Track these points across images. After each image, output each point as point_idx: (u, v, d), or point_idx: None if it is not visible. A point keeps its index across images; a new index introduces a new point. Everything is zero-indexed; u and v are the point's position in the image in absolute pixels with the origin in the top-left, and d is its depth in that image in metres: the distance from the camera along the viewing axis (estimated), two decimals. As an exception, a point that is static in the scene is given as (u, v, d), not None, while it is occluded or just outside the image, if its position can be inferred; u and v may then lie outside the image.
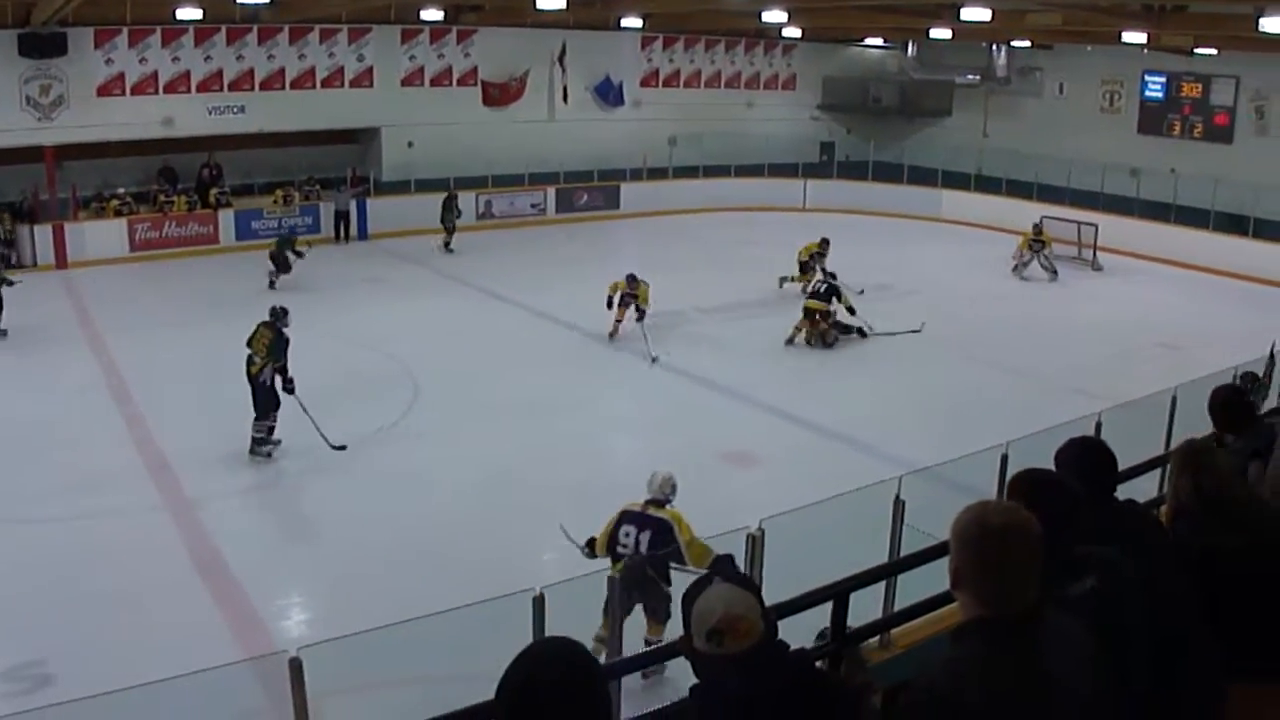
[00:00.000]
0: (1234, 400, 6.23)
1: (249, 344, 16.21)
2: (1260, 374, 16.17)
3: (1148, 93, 36.50)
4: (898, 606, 7.73)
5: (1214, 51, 31.44)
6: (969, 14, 21.94)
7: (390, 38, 33.65)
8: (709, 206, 37.80)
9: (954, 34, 30.68)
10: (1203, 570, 4.28)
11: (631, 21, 31.28)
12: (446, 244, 30.77)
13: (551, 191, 36.27)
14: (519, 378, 19.60)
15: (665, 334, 22.83)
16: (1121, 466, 4.88)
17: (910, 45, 40.50)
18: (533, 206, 35.79)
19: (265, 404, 16.11)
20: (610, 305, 22.30)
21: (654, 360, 21.30)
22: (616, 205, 37.31)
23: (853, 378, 20.88)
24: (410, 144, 34.09)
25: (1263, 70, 32.53)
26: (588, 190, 36.66)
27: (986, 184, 38.47)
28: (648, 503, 10.70)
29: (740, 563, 8.57)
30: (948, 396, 19.81)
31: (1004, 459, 10.27)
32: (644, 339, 21.62)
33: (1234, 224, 32.43)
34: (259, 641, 11.08)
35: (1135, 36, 26.43)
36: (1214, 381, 13.12)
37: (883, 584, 7.85)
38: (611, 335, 22.33)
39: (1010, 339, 23.91)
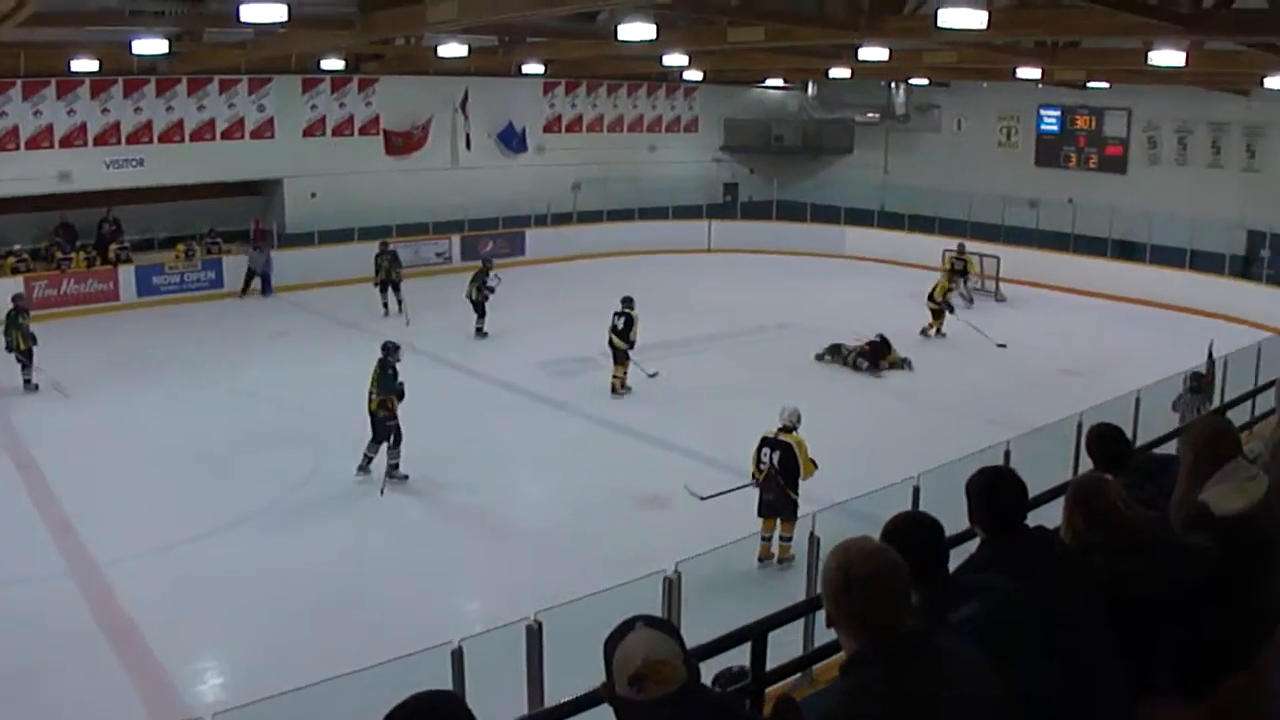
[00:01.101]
0: (1110, 436, 6.31)
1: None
2: (1204, 372, 16.74)
3: (1043, 126, 37.28)
4: (818, 642, 7.77)
5: (1106, 85, 32.24)
6: (867, 54, 22.12)
7: (291, 88, 33.47)
8: (614, 251, 37.82)
9: (853, 73, 30.98)
10: (1110, 595, 4.40)
11: (533, 68, 31.30)
12: (390, 308, 30.00)
13: (456, 240, 36.17)
14: (428, 429, 19.34)
15: (573, 380, 23.18)
16: (1032, 493, 4.95)
17: (810, 85, 40.92)
18: (438, 255, 35.67)
19: (379, 434, 17.40)
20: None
21: (652, 375, 22.45)
22: (522, 252, 37.22)
23: (766, 417, 20.90)
24: (313, 195, 33.87)
25: (1153, 101, 33.35)
26: (492, 237, 36.51)
27: (889, 220, 39.10)
28: (779, 429, 14.58)
29: (657, 607, 8.60)
30: (860, 431, 20.07)
31: (916, 491, 10.54)
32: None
33: (1130, 251, 33.32)
34: (173, 709, 10.95)
35: (1029, 72, 26.97)
36: (1118, 406, 13.65)
37: (802, 620, 7.88)
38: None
39: (918, 372, 24.44)
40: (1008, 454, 11.84)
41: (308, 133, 34.10)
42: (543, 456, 19.32)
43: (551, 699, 8.42)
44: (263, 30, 22.68)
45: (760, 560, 14.12)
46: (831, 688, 3.48)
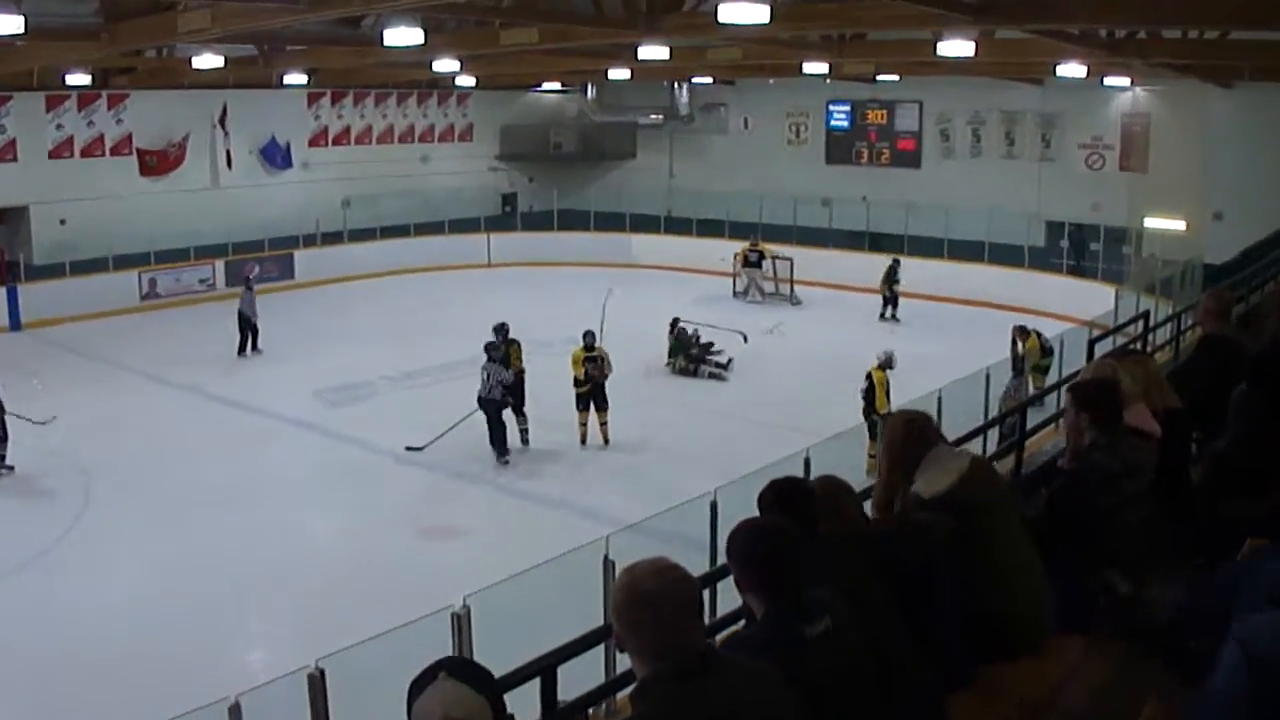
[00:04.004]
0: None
1: None
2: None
3: (833, 122, 38.22)
4: (619, 670, 7.73)
5: (896, 78, 33.14)
6: (647, 53, 22.27)
7: (34, 106, 32.31)
8: (390, 270, 37.50)
9: (633, 74, 31.19)
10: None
11: (295, 78, 30.75)
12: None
13: (220, 264, 35.17)
14: (196, 469, 19.15)
15: (351, 406, 23.04)
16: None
17: (589, 88, 41.13)
18: (201, 282, 34.72)
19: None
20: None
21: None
22: (291, 275, 36.53)
23: (556, 438, 21.00)
24: (63, 221, 32.75)
25: (945, 94, 34.43)
26: (259, 260, 35.72)
27: (677, 225, 39.64)
28: (876, 365, 19.12)
29: (449, 645, 8.49)
30: (653, 447, 20.40)
31: (714, 506, 10.58)
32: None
33: (928, 247, 34.06)
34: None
35: (817, 67, 27.35)
36: (922, 405, 14.12)
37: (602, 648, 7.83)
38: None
39: (705, 381, 25.00)
40: (808, 461, 12.00)
41: (54, 154, 33.00)
42: (321, 489, 19.02)
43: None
44: (-3, 43, 21.93)
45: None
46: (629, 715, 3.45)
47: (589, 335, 20.90)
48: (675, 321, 26.29)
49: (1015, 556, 5.18)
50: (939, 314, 31.34)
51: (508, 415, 20.15)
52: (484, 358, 20.07)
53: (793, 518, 4.33)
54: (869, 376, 19.10)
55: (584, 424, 20.73)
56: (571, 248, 39.51)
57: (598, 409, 20.72)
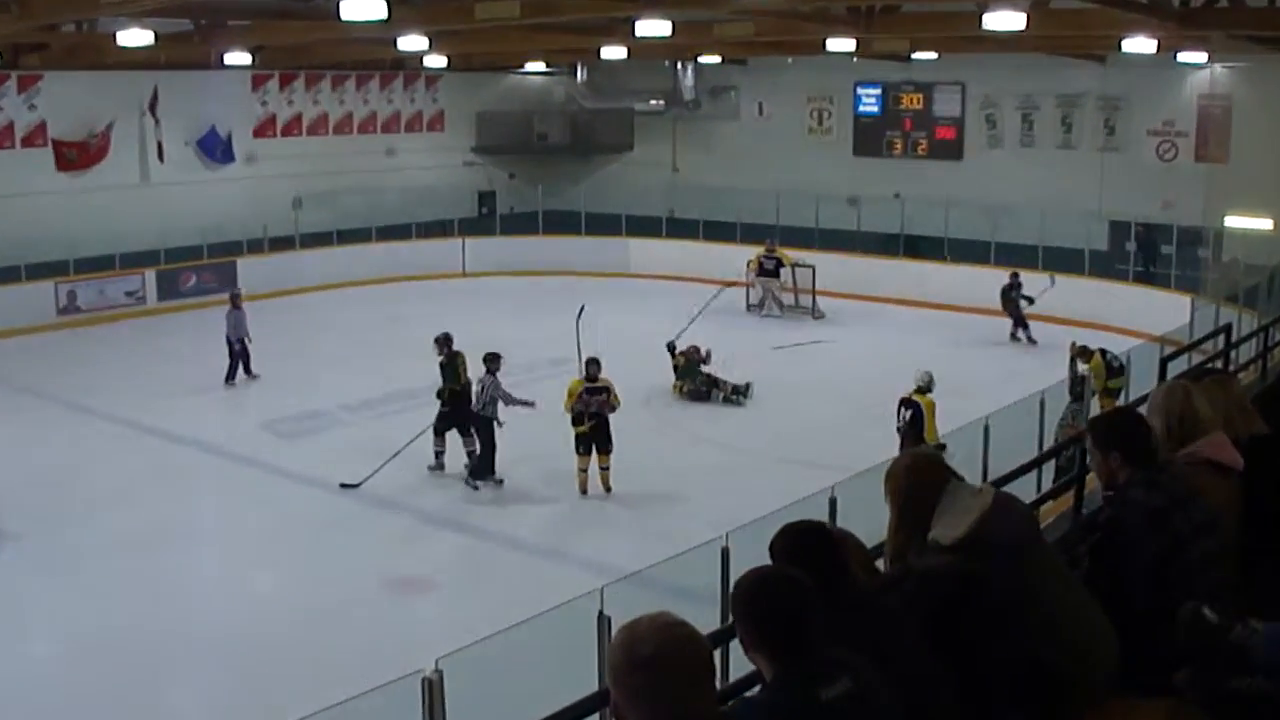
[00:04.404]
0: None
1: None
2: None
3: (861, 107, 38.06)
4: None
5: (934, 56, 32.86)
6: (645, 28, 22.05)
7: (-69, 92, 32.37)
8: (349, 280, 37.25)
9: (630, 52, 31.07)
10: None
11: (238, 58, 30.37)
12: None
13: (151, 275, 35.13)
14: (124, 514, 19.02)
15: (305, 439, 22.97)
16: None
17: (580, 69, 41.17)
18: (128, 295, 34.60)
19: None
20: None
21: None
22: (234, 286, 36.12)
23: (536, 472, 20.92)
24: (-35, 225, 32.68)
25: (991, 74, 34.29)
26: (196, 270, 35.71)
27: (681, 228, 39.44)
28: (915, 390, 19.26)
29: (419, 715, 8.47)
30: (650, 485, 20.29)
31: (725, 554, 10.51)
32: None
33: (972, 252, 33.85)
34: None
35: (842, 44, 26.80)
36: (965, 436, 14.93)
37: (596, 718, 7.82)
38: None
39: (719, 408, 24.88)
40: (834, 501, 11.95)
41: (-44, 147, 32.96)
42: (270, 535, 18.79)
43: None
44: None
45: None
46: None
47: (593, 364, 20.30)
48: (673, 345, 26.02)
49: (1059, 601, 5.10)
50: (986, 328, 30.91)
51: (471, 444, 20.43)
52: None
53: (809, 567, 4.29)
54: (909, 404, 19.13)
55: (584, 470, 20.05)
56: (560, 254, 39.27)
57: (599, 451, 20.08)
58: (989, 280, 32.22)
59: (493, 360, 20.36)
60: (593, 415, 19.88)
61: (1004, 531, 5.04)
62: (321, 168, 39.28)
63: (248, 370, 27.34)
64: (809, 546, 4.61)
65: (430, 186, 41.21)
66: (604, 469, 20.09)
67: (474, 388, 20.34)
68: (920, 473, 5.36)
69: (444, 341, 21.30)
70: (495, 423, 20.27)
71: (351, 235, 38.89)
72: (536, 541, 18.29)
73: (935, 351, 27.36)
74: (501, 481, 20.24)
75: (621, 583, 11.22)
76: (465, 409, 20.57)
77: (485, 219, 42.57)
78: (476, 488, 20.03)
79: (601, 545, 15.48)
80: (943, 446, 16.27)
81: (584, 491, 19.98)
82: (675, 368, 25.77)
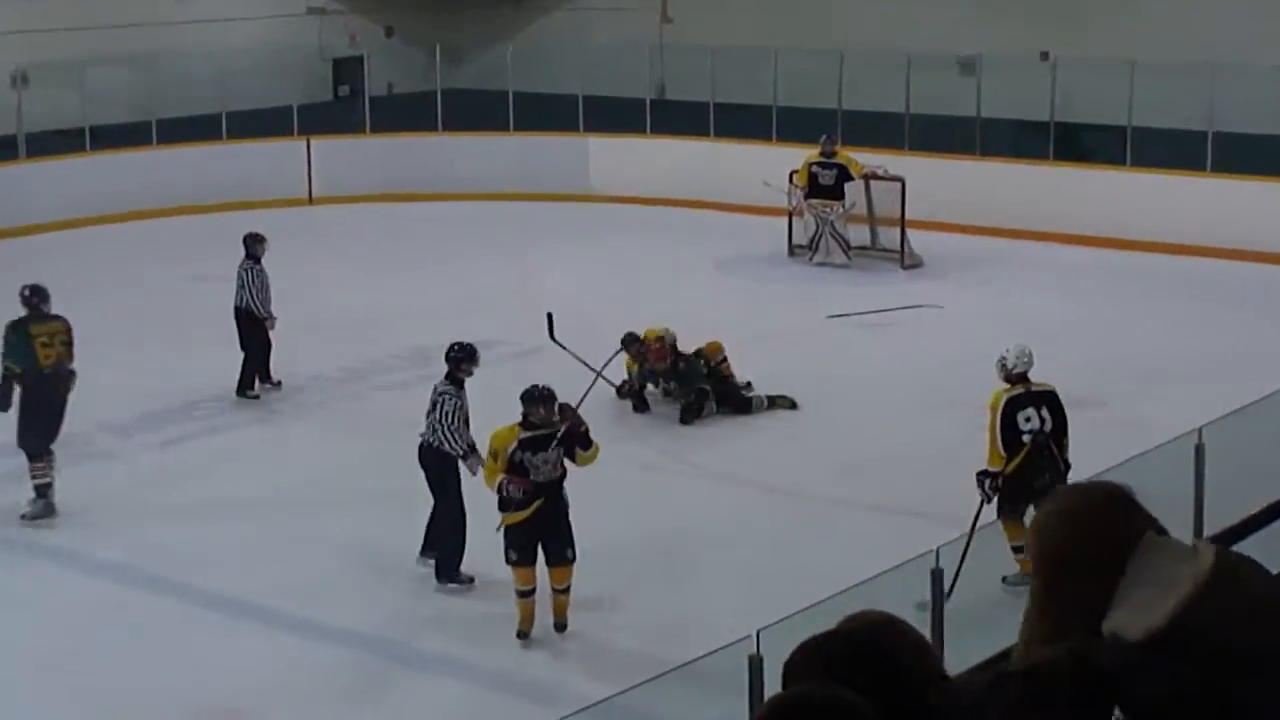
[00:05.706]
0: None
1: None
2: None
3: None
4: None
5: None
6: None
7: None
8: (115, 212, 27.15)
9: None
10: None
11: None
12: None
13: None
14: None
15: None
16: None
17: None
18: None
19: None
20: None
21: None
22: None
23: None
24: None
25: None
26: None
27: (676, 117, 29.83)
28: (1022, 380, 13.53)
29: None
30: (651, 547, 15.14)
31: (754, 662, 8.45)
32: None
33: (1178, 148, 25.24)
34: None
35: None
36: (1162, 463, 12.51)
37: None
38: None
39: (735, 425, 18.55)
40: (937, 574, 10.09)
41: None
42: (27, 647, 13.41)
43: None
44: None
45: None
46: None
47: (539, 402, 13.25)
48: (630, 339, 18.49)
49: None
50: (1192, 278, 23.19)
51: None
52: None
53: (863, 686, 3.00)
54: (1040, 397, 13.81)
55: (527, 591, 13.24)
56: (473, 166, 29.02)
57: (549, 551, 13.14)
58: (1203, 194, 24.38)
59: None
60: (538, 487, 13.06)
61: (1232, 618, 3.25)
62: (61, 24, 29.06)
63: (267, 376, 19.73)
64: (864, 656, 3.18)
65: (249, 51, 30.99)
66: (559, 591, 13.50)
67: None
68: (1090, 519, 3.28)
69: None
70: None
71: (117, 135, 28.67)
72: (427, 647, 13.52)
73: (1099, 320, 21.23)
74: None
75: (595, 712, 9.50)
76: None
77: (343, 106, 32.63)
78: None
79: (565, 659, 13.01)
80: (1063, 469, 13.28)
81: (524, 634, 13.42)
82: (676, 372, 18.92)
